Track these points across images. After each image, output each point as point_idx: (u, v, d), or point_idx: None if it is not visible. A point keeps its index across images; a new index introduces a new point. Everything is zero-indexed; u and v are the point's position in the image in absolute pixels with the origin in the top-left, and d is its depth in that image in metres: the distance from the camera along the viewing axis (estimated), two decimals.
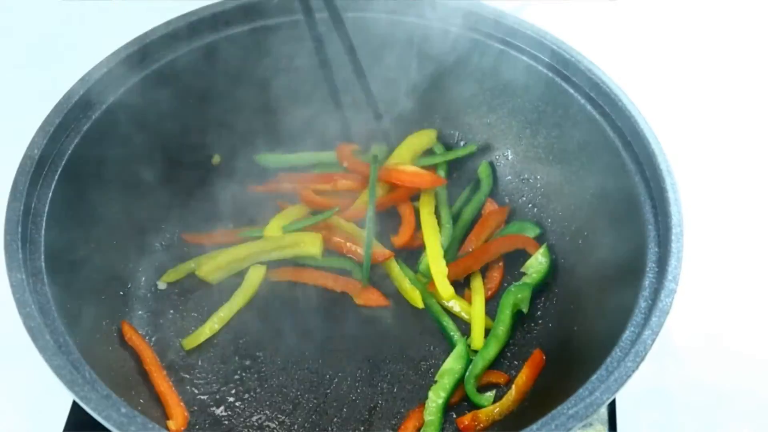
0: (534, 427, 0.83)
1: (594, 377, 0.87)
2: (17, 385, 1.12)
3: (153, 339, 1.11)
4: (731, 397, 1.15)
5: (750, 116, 1.46)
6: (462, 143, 1.29)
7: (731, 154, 1.40)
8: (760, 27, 1.62)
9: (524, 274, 1.18)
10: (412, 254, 1.22)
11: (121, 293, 1.12)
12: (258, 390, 1.08)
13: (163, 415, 1.03)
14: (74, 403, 1.08)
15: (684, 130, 1.40)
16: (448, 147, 1.31)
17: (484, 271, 1.20)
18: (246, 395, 1.07)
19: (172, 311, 1.15)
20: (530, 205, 1.24)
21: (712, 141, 1.41)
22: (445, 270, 1.16)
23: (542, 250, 1.18)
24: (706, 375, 1.17)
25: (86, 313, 1.02)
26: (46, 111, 1.03)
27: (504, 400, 1.06)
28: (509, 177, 1.27)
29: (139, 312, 1.12)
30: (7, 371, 1.14)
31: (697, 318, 1.20)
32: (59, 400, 1.08)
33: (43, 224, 0.97)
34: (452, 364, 1.09)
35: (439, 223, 1.22)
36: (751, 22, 1.63)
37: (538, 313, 1.16)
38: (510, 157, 1.26)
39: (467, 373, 1.08)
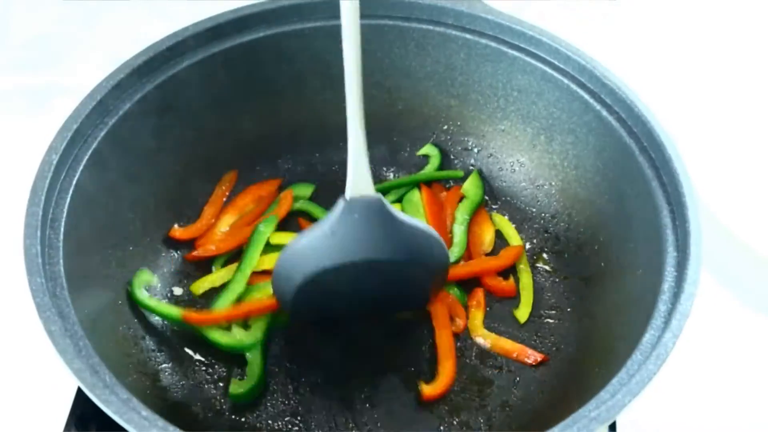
0: (555, 430, 0.82)
1: (615, 380, 0.87)
2: (17, 386, 1.13)
3: (169, 346, 1.11)
4: (732, 397, 1.15)
5: (763, 114, 1.46)
6: (476, 150, 1.29)
7: (747, 154, 1.40)
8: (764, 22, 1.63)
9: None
10: None
11: None
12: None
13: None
14: (73, 405, 1.06)
15: (697, 132, 1.40)
16: (456, 153, 1.31)
17: None
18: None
19: None
20: (545, 211, 1.24)
21: (726, 142, 1.41)
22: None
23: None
24: (707, 374, 1.17)
25: (103, 318, 1.02)
26: (59, 110, 1.04)
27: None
28: (524, 184, 1.27)
29: (155, 318, 1.12)
30: (8, 373, 1.14)
31: (697, 317, 1.20)
32: (59, 402, 1.08)
33: (62, 229, 0.97)
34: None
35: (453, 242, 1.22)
36: (755, 18, 1.63)
37: (554, 322, 1.16)
38: (525, 164, 1.26)
39: None
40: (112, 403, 0.82)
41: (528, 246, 1.24)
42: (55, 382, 1.11)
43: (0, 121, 1.43)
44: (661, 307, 0.93)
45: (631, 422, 1.11)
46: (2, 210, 1.28)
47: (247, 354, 1.09)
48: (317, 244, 1.00)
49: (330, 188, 1.29)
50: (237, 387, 1.06)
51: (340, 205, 0.97)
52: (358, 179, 0.96)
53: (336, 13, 1.20)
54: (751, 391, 1.16)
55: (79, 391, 1.04)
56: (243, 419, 1.05)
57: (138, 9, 1.60)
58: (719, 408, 1.14)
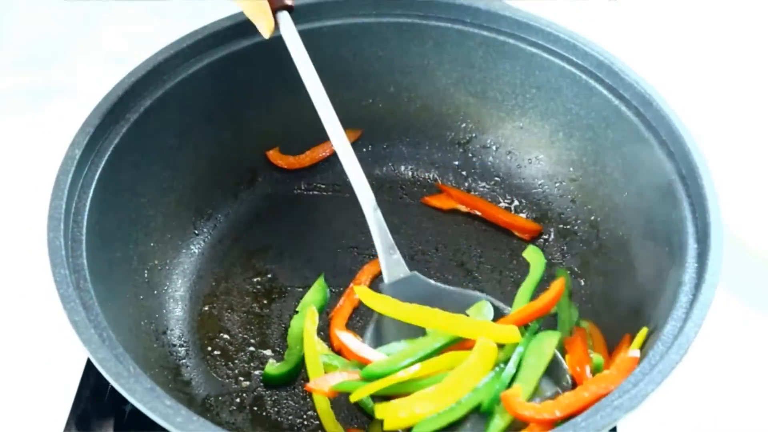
0: (579, 419, 0.83)
1: (637, 370, 0.87)
2: (18, 386, 1.13)
3: (190, 341, 1.12)
4: (732, 397, 1.14)
5: None
6: (494, 147, 1.30)
7: (753, 152, 1.39)
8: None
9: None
10: None
11: (155, 292, 1.13)
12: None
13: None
14: (74, 405, 1.05)
15: (713, 126, 1.39)
16: (474, 152, 1.32)
17: None
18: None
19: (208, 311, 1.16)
20: (564, 207, 1.25)
21: (744, 135, 1.41)
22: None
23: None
24: (706, 374, 1.16)
25: (125, 312, 1.03)
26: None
27: None
28: (542, 180, 1.27)
29: (177, 313, 1.13)
30: (8, 373, 1.14)
31: None
32: (59, 402, 1.08)
33: (84, 223, 0.97)
34: (313, 296, 1.15)
35: None
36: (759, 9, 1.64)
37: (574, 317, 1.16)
38: (543, 161, 1.27)
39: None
40: (137, 392, 0.82)
41: (547, 243, 1.24)
42: (55, 381, 1.11)
43: (0, 121, 1.44)
44: (683, 298, 0.93)
45: (632, 423, 1.10)
46: (2, 209, 1.29)
47: (290, 340, 1.11)
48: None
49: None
50: (272, 368, 1.08)
51: (383, 291, 1.06)
52: (391, 265, 1.08)
53: (354, 12, 1.22)
54: (752, 394, 1.15)
55: (80, 391, 1.05)
56: (264, 414, 1.05)
57: (138, 9, 1.60)
58: (720, 410, 1.13)
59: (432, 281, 1.10)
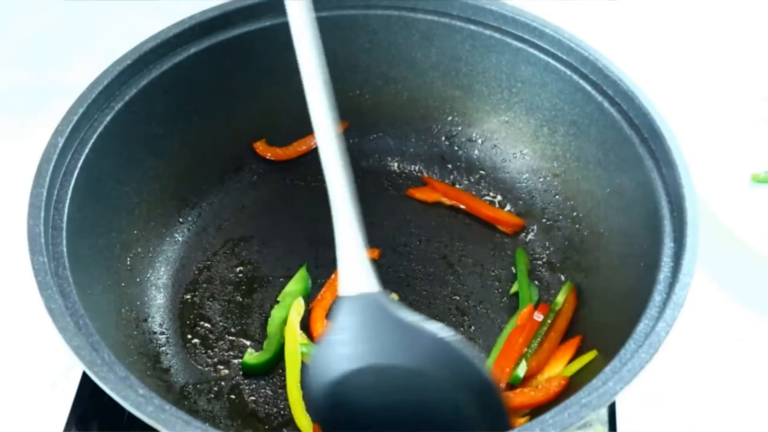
0: (547, 416, 0.83)
1: (607, 368, 0.88)
2: (17, 386, 1.13)
3: (171, 328, 1.13)
4: (732, 397, 1.15)
5: (762, 108, 1.45)
6: (480, 141, 1.30)
7: (745, 150, 1.39)
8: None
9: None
10: None
11: (137, 280, 1.13)
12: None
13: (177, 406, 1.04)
14: (74, 405, 1.06)
15: (695, 124, 1.39)
16: (460, 144, 1.32)
17: None
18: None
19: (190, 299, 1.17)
20: (547, 202, 1.25)
21: (724, 138, 1.41)
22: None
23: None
24: (707, 375, 1.17)
25: (105, 299, 1.03)
26: (59, 110, 1.04)
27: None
28: (526, 175, 1.27)
29: (159, 300, 1.14)
30: (8, 372, 1.15)
31: (698, 317, 1.20)
32: (59, 402, 1.09)
33: (66, 211, 0.98)
34: (294, 286, 1.16)
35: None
36: (755, 12, 1.63)
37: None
38: (527, 155, 1.27)
39: None
40: (110, 381, 0.83)
41: (530, 237, 1.24)
42: (55, 381, 1.12)
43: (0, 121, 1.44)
44: (656, 297, 0.94)
45: (631, 425, 1.11)
46: (3, 210, 1.30)
47: (270, 330, 1.12)
48: (334, 351, 0.89)
49: None
50: (251, 358, 1.09)
51: (338, 304, 0.88)
52: (350, 273, 0.86)
53: (342, 3, 1.22)
54: (748, 393, 1.15)
55: (80, 391, 1.06)
56: (241, 402, 1.06)
57: (138, 8, 1.61)
58: (720, 410, 1.14)
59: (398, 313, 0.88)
